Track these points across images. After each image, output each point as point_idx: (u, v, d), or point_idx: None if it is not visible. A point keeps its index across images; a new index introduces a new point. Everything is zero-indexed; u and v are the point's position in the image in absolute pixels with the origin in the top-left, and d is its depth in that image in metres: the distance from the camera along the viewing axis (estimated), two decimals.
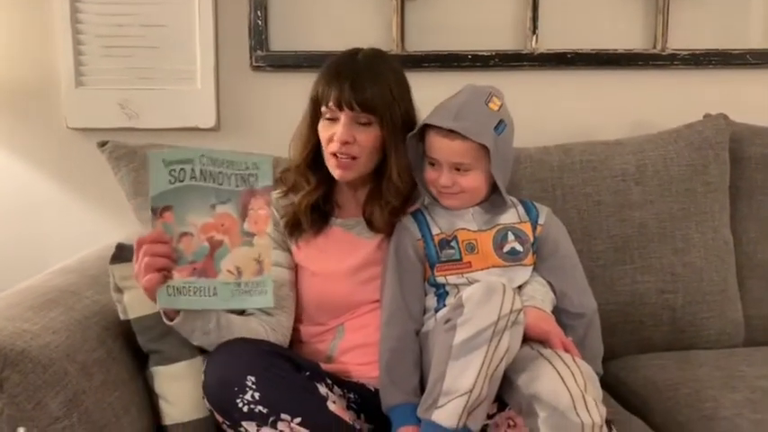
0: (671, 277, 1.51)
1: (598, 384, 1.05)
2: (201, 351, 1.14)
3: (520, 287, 1.18)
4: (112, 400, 1.07)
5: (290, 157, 1.29)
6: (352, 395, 1.18)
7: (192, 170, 1.04)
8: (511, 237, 1.21)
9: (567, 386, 0.98)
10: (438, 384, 1.01)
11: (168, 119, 1.70)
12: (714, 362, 1.42)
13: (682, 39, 1.76)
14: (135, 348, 1.16)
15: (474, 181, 1.18)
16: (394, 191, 1.23)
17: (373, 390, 1.18)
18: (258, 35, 1.69)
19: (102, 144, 1.52)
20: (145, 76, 1.70)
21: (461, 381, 0.99)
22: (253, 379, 1.01)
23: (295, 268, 1.28)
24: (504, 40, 1.74)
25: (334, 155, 1.20)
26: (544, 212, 1.25)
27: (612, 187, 1.53)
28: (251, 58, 1.70)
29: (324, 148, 1.22)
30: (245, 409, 1.00)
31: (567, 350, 1.07)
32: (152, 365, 1.15)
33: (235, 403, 1.00)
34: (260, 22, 1.69)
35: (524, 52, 1.73)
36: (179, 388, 1.14)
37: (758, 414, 1.21)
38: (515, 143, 1.23)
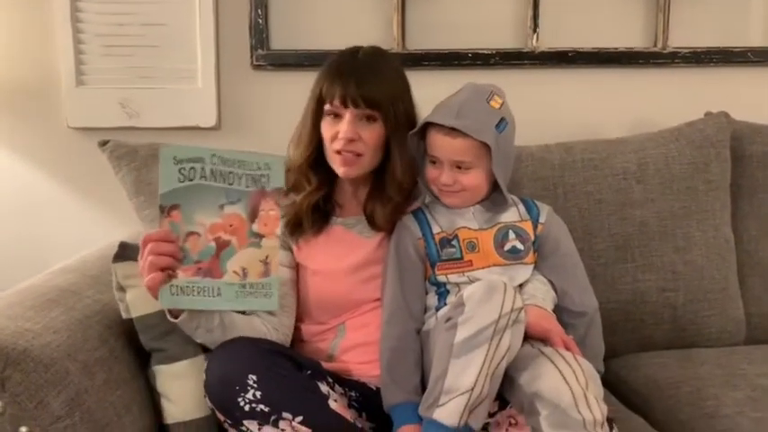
0: (672, 275, 1.51)
1: (599, 382, 1.05)
2: (203, 350, 1.15)
3: (521, 286, 1.18)
4: (114, 399, 1.07)
5: (289, 157, 1.29)
6: (353, 394, 1.18)
7: (203, 169, 1.04)
8: (512, 235, 1.21)
9: (568, 384, 0.98)
10: (439, 383, 1.01)
11: (169, 118, 1.70)
12: (715, 360, 1.42)
13: (683, 37, 1.76)
14: (137, 347, 1.16)
15: (475, 179, 1.18)
16: (397, 187, 1.23)
17: (374, 388, 1.18)
18: (259, 34, 1.69)
19: (103, 143, 1.52)
20: (145, 75, 1.70)
21: (462, 379, 0.99)
22: (254, 378, 1.01)
23: (296, 267, 1.28)
24: (505, 38, 1.74)
25: (339, 152, 1.20)
26: (545, 211, 1.25)
27: (614, 185, 1.53)
28: (252, 56, 1.70)
29: (327, 147, 1.22)
30: (247, 407, 1.00)
31: (568, 348, 1.07)
32: (154, 364, 1.15)
33: (236, 402, 1.00)
34: (261, 21, 1.69)
35: (525, 51, 1.73)
36: (181, 387, 1.14)
37: (759, 412, 1.21)
38: (516, 141, 1.23)
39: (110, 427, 1.04)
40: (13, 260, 1.70)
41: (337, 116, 1.20)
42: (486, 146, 1.15)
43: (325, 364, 1.19)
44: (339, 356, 1.24)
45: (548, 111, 1.73)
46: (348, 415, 1.08)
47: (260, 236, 1.07)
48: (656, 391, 1.36)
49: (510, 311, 1.00)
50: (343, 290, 1.25)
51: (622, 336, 1.50)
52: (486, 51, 1.72)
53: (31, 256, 1.70)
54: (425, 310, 1.21)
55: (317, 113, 1.22)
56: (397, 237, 1.23)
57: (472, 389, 0.98)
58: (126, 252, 1.15)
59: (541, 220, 1.24)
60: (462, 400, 0.99)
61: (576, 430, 0.96)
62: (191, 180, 1.03)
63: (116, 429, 1.05)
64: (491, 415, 1.07)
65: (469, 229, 1.20)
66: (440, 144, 1.17)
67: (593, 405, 0.97)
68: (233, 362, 1.03)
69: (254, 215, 1.06)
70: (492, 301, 1.01)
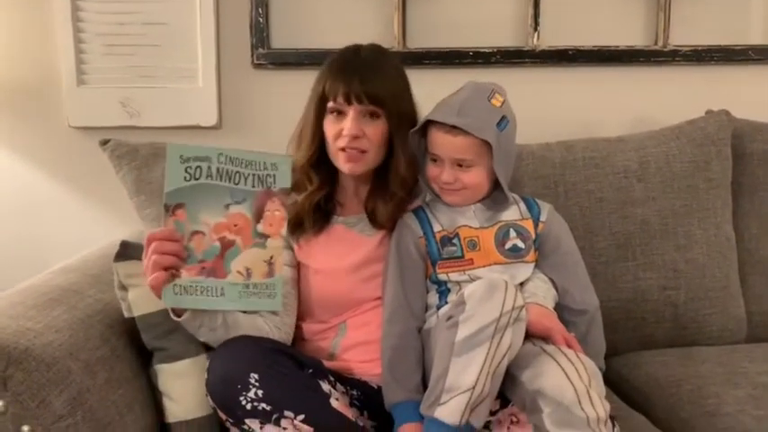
0: (673, 274, 1.51)
1: (602, 380, 1.05)
2: (206, 349, 1.15)
3: (522, 284, 1.18)
4: (116, 397, 1.07)
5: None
6: (354, 392, 1.18)
7: (209, 168, 1.04)
8: (513, 234, 1.21)
9: (571, 381, 0.98)
10: (440, 381, 1.01)
11: (170, 117, 1.70)
12: (716, 358, 1.42)
13: (683, 35, 1.76)
14: (138, 346, 1.16)
15: (476, 177, 1.18)
16: (400, 182, 1.23)
17: (376, 387, 1.19)
18: (259, 33, 1.69)
19: (104, 142, 1.52)
20: (146, 75, 1.70)
21: (464, 378, 0.99)
22: (256, 376, 1.01)
23: (297, 266, 1.28)
24: (506, 36, 1.74)
25: (343, 149, 1.20)
26: (546, 209, 1.25)
27: (615, 184, 1.53)
28: (252, 55, 1.70)
29: (330, 145, 1.23)
30: (249, 406, 1.00)
31: (569, 346, 1.07)
32: (156, 363, 1.15)
33: (238, 401, 1.00)
34: (261, 20, 1.69)
35: (526, 49, 1.73)
36: (183, 386, 1.14)
37: (760, 410, 1.21)
38: (517, 140, 1.23)
39: (112, 426, 1.04)
40: (15, 260, 1.71)
41: (341, 113, 1.20)
42: (487, 144, 1.15)
43: (327, 363, 1.19)
44: (340, 355, 1.24)
45: (549, 109, 1.73)
46: (349, 414, 1.08)
47: (265, 236, 1.07)
48: (658, 390, 1.36)
49: (511, 310, 1.00)
50: (345, 288, 1.25)
51: (623, 334, 1.51)
52: (486, 50, 1.72)
53: (32, 255, 1.71)
54: (426, 308, 1.21)
55: (319, 112, 1.22)
56: (397, 235, 1.23)
57: (473, 387, 0.98)
58: (127, 251, 1.15)
59: (542, 218, 1.24)
60: (464, 399, 0.99)
61: (580, 428, 0.96)
62: (196, 179, 1.03)
63: (118, 428, 1.05)
64: (493, 413, 1.07)
65: (470, 227, 1.20)
66: (441, 142, 1.17)
67: (597, 402, 0.97)
68: (235, 361, 1.03)
69: (259, 215, 1.06)
70: (493, 299, 1.01)
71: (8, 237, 1.74)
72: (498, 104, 1.17)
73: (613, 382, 1.39)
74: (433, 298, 1.20)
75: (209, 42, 1.69)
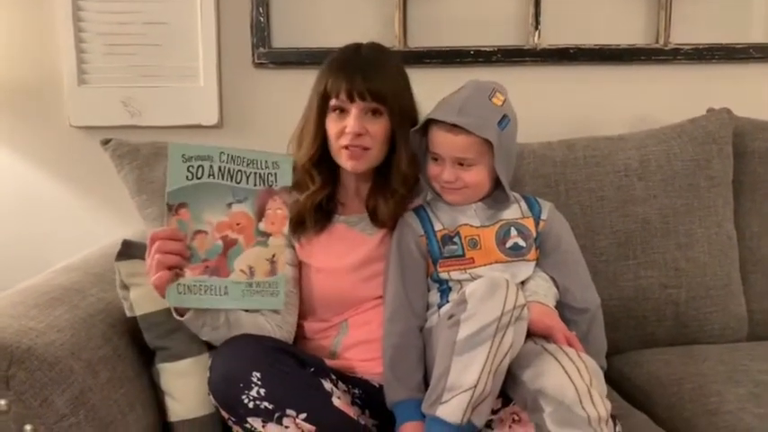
0: (674, 272, 1.51)
1: (603, 379, 1.05)
2: (208, 348, 1.15)
3: (523, 283, 1.18)
4: (118, 397, 1.07)
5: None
6: (356, 391, 1.18)
7: (211, 167, 1.04)
8: (513, 232, 1.21)
9: (572, 381, 0.98)
10: (442, 380, 1.01)
11: (171, 116, 1.70)
12: (718, 356, 1.42)
13: (684, 33, 1.76)
14: (140, 345, 1.16)
15: (477, 176, 1.18)
16: (401, 180, 1.24)
17: (377, 386, 1.19)
18: (260, 32, 1.69)
19: (106, 142, 1.52)
20: (147, 74, 1.70)
21: (465, 376, 0.99)
22: (258, 375, 1.01)
23: (298, 265, 1.28)
24: (507, 35, 1.74)
25: (346, 147, 1.20)
26: (547, 208, 1.25)
27: (616, 182, 1.53)
28: (253, 54, 1.70)
29: (333, 143, 1.23)
30: (251, 405, 1.01)
31: (570, 345, 1.07)
32: (158, 362, 1.15)
33: (240, 399, 1.01)
34: (262, 19, 1.69)
35: (527, 48, 1.73)
36: (185, 385, 1.14)
37: (762, 408, 1.21)
38: (518, 138, 1.23)
39: (114, 425, 1.04)
40: (16, 259, 1.71)
41: (343, 111, 1.20)
42: (488, 143, 1.15)
43: (329, 362, 1.19)
44: (342, 354, 1.24)
45: (550, 108, 1.73)
46: (351, 412, 1.08)
47: (267, 234, 1.07)
48: (659, 388, 1.36)
49: (512, 308, 1.00)
50: (346, 287, 1.25)
51: (625, 333, 1.51)
52: (487, 48, 1.72)
53: (33, 254, 1.71)
54: (428, 307, 1.21)
55: (321, 110, 1.23)
56: (398, 234, 1.23)
57: (475, 386, 0.98)
58: (129, 250, 1.15)
59: (543, 216, 1.24)
60: (465, 398, 0.99)
61: (581, 427, 0.96)
62: (198, 178, 1.03)
63: (120, 427, 1.05)
64: (494, 412, 1.07)
65: (471, 226, 1.20)
66: (442, 141, 1.17)
67: (598, 401, 0.97)
68: (237, 359, 1.04)
69: (261, 214, 1.07)
70: (494, 298, 1.01)
71: (10, 236, 1.74)
72: (499, 103, 1.17)
73: (615, 381, 1.39)
74: (435, 297, 1.20)
75: (210, 42, 1.69)
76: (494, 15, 1.74)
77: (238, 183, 1.05)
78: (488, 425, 1.06)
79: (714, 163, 1.56)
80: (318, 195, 1.26)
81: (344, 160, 1.22)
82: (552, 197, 1.42)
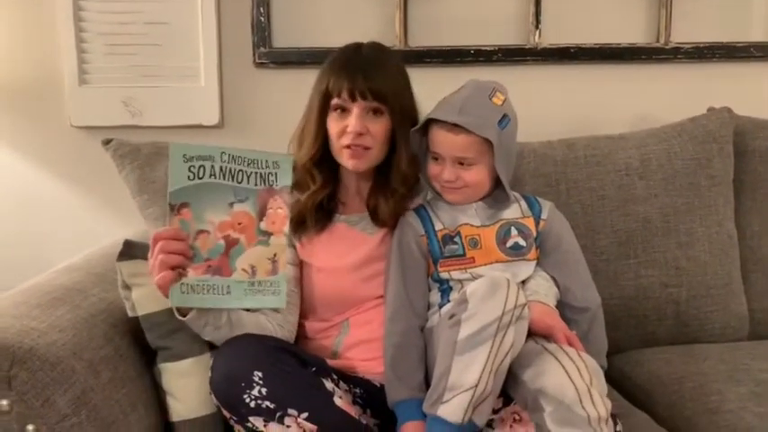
0: (675, 271, 1.51)
1: (603, 379, 1.05)
2: (210, 347, 1.15)
3: (523, 282, 1.19)
4: (120, 396, 1.07)
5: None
6: (357, 390, 1.18)
7: (212, 167, 1.04)
8: (514, 232, 1.21)
9: (572, 380, 0.98)
10: (443, 379, 1.01)
11: (172, 116, 1.70)
12: (718, 355, 1.42)
13: (685, 32, 1.75)
14: (142, 345, 1.16)
15: (477, 175, 1.18)
16: (401, 179, 1.24)
17: (379, 385, 1.19)
18: (261, 32, 1.69)
19: (107, 142, 1.52)
20: (148, 74, 1.70)
21: (466, 376, 0.99)
22: (259, 374, 1.01)
23: (299, 264, 1.28)
24: (507, 34, 1.74)
25: (348, 146, 1.20)
26: (547, 207, 1.26)
27: (616, 182, 1.53)
28: (254, 54, 1.70)
29: (334, 143, 1.23)
30: (252, 404, 1.01)
31: (571, 344, 1.08)
32: (160, 362, 1.15)
33: (242, 399, 1.01)
34: (263, 19, 1.69)
35: (527, 47, 1.73)
36: (187, 384, 1.14)
37: (762, 407, 1.21)
38: (519, 138, 1.23)
39: (116, 425, 1.04)
40: (17, 259, 1.71)
41: (344, 111, 1.21)
42: (488, 142, 1.15)
43: (330, 362, 1.19)
44: (343, 353, 1.24)
45: (550, 107, 1.74)
46: (353, 411, 1.08)
47: (268, 234, 1.07)
48: (660, 387, 1.37)
49: (513, 308, 1.00)
50: (347, 287, 1.25)
51: (625, 332, 1.51)
52: (488, 48, 1.72)
53: (34, 254, 1.71)
54: (428, 306, 1.21)
55: (322, 109, 1.23)
56: (399, 233, 1.24)
57: (476, 385, 0.99)
58: (131, 250, 1.15)
59: (543, 216, 1.24)
60: (466, 397, 0.99)
61: (581, 426, 0.96)
62: (200, 178, 1.04)
63: (122, 427, 1.05)
64: (495, 411, 1.07)
65: (472, 225, 1.21)
66: (442, 140, 1.17)
67: (598, 401, 0.98)
68: (238, 359, 1.04)
69: (262, 213, 1.07)
70: (495, 297, 1.01)
71: (10, 236, 1.74)
72: (499, 103, 1.17)
73: (615, 380, 1.39)
74: (435, 296, 1.21)
75: (210, 42, 1.69)
76: (494, 15, 1.74)
77: (239, 182, 1.06)
78: (489, 424, 1.07)
79: (715, 162, 1.56)
80: (319, 195, 1.26)
81: (346, 159, 1.22)
82: (553, 196, 1.42)
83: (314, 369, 1.11)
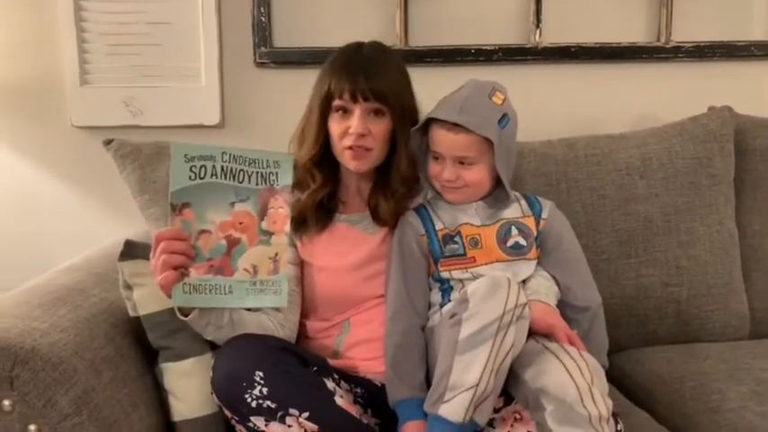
0: (676, 270, 1.51)
1: (604, 378, 1.05)
2: (211, 347, 1.15)
3: (524, 281, 1.19)
4: (121, 396, 1.07)
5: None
6: (358, 390, 1.18)
7: (213, 167, 1.04)
8: (514, 231, 1.21)
9: (573, 379, 0.98)
10: (444, 379, 1.01)
11: (173, 116, 1.70)
12: (719, 354, 1.42)
13: (686, 31, 1.75)
14: (143, 345, 1.16)
15: (477, 175, 1.19)
16: (402, 179, 1.24)
17: (380, 385, 1.19)
18: (262, 31, 1.69)
19: (108, 142, 1.52)
20: (149, 74, 1.70)
21: (467, 375, 0.99)
22: (261, 374, 1.01)
23: (300, 264, 1.28)
24: (508, 34, 1.74)
25: (350, 147, 1.20)
26: (547, 206, 1.26)
27: (617, 181, 1.53)
28: (255, 54, 1.71)
29: (336, 143, 1.23)
30: (254, 404, 1.01)
31: (572, 344, 1.08)
32: (161, 362, 1.16)
33: (243, 398, 1.01)
34: (263, 19, 1.69)
35: (528, 46, 1.73)
36: (188, 384, 1.14)
37: (763, 406, 1.21)
38: (519, 137, 1.23)
39: (117, 425, 1.04)
40: (18, 259, 1.71)
41: (346, 112, 1.21)
42: (488, 142, 1.15)
43: (331, 361, 1.19)
44: (344, 353, 1.25)
45: (550, 106, 1.74)
46: (354, 411, 1.09)
47: (269, 233, 1.07)
48: (661, 386, 1.37)
49: (514, 307, 1.01)
50: (347, 286, 1.25)
51: (626, 331, 1.51)
52: (488, 47, 1.72)
53: (35, 254, 1.71)
54: (429, 306, 1.21)
55: (323, 110, 1.23)
56: (399, 233, 1.24)
57: (477, 385, 0.99)
58: (132, 250, 1.15)
59: (544, 215, 1.24)
60: (467, 396, 0.99)
61: (582, 425, 0.96)
62: (201, 178, 1.04)
63: (124, 427, 1.06)
64: (496, 410, 1.07)
65: (472, 225, 1.21)
66: (442, 140, 1.17)
67: (599, 400, 0.98)
68: (240, 359, 1.04)
69: (263, 213, 1.07)
70: (496, 297, 1.01)
71: (12, 236, 1.74)
72: (499, 102, 1.17)
73: (616, 379, 1.39)
74: (436, 296, 1.21)
75: (211, 41, 1.69)
76: (495, 14, 1.74)
77: (241, 182, 1.06)
78: (490, 423, 1.07)
79: (715, 161, 1.56)
80: (319, 194, 1.26)
81: (348, 161, 1.23)
82: (553, 196, 1.42)
83: (315, 369, 1.11)
